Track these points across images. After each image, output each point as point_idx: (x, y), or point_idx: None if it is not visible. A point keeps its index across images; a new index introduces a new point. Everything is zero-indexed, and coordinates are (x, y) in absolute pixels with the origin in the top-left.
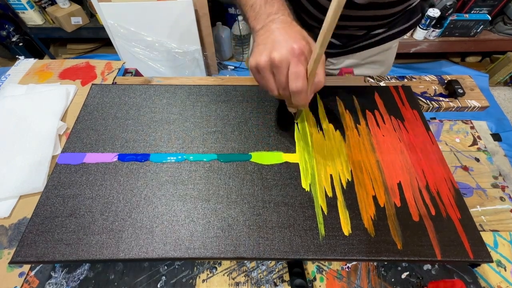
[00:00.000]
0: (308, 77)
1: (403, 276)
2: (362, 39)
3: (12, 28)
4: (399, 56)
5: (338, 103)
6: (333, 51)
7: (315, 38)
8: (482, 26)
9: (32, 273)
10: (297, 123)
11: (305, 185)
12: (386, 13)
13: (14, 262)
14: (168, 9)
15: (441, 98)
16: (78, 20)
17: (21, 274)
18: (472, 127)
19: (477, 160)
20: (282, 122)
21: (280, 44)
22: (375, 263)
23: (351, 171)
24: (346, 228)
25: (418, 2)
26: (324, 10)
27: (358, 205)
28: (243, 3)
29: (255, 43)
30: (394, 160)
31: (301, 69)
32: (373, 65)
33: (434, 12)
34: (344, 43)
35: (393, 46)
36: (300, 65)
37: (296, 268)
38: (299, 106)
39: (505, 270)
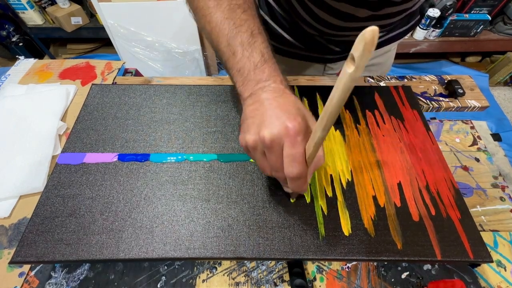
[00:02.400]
0: (307, 161)
1: (403, 276)
2: None
3: (12, 28)
4: (399, 56)
5: None
6: (332, 56)
7: (316, 45)
8: (482, 26)
9: (32, 273)
10: None
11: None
12: (386, 23)
13: (14, 262)
14: (168, 9)
15: (441, 98)
16: (78, 20)
17: (21, 274)
18: (472, 127)
19: (477, 160)
20: None
21: (271, 120)
22: (375, 263)
23: (351, 171)
24: (346, 228)
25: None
26: (322, 22)
27: (358, 205)
28: (229, 67)
29: (244, 114)
30: (394, 160)
31: (297, 152)
32: (372, 67)
33: (434, 12)
34: (343, 49)
35: (392, 49)
36: (296, 147)
37: (296, 268)
38: (297, 191)
39: (505, 270)
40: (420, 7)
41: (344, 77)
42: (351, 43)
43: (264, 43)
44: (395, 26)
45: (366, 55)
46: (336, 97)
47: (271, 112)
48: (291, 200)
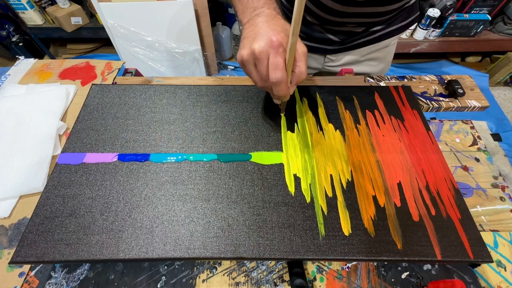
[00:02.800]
0: (287, 68)
1: (403, 276)
2: (360, 36)
3: (12, 28)
4: (399, 56)
5: (338, 103)
6: (332, 47)
7: (316, 35)
8: (482, 26)
9: (32, 273)
10: (284, 115)
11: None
12: (384, 10)
13: (14, 262)
14: (168, 9)
15: (441, 98)
16: (78, 20)
17: (21, 274)
18: (472, 127)
19: (477, 160)
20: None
21: (261, 36)
22: (375, 263)
23: (351, 171)
24: (346, 228)
25: (416, 0)
26: (322, 7)
27: (358, 205)
28: None
29: (242, 36)
30: (394, 160)
31: (279, 60)
32: (372, 62)
33: (434, 12)
34: (342, 40)
35: (391, 44)
36: (278, 57)
37: (296, 268)
38: (280, 97)
39: (505, 270)
40: (420, 7)
41: None
42: (350, 34)
43: None
44: (394, 20)
45: None
46: (296, 4)
47: (262, 31)
48: (282, 114)
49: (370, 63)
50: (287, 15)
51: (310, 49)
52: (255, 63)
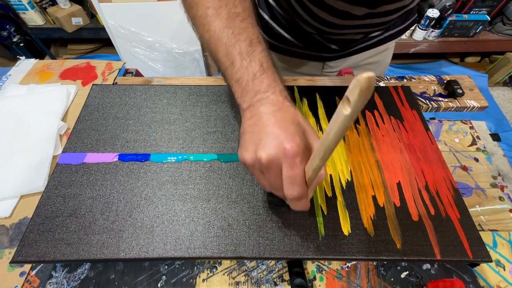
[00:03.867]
0: (307, 182)
1: (403, 275)
2: (359, 43)
3: (13, 29)
4: (398, 56)
5: (338, 103)
6: (330, 55)
7: (314, 43)
8: (481, 26)
9: (33, 273)
10: None
11: None
12: (383, 21)
13: (15, 261)
14: (168, 9)
15: (440, 98)
16: (78, 21)
17: (22, 274)
18: (471, 127)
19: (476, 160)
20: None
21: (268, 139)
22: (374, 263)
23: (350, 171)
24: (345, 228)
25: (414, 5)
26: (320, 20)
27: (358, 205)
28: (228, 77)
29: (242, 128)
30: (394, 160)
31: (297, 173)
32: (370, 66)
33: (433, 13)
34: (341, 47)
35: (390, 47)
36: (295, 169)
37: (296, 268)
38: (298, 210)
39: (504, 269)
40: (419, 8)
41: (340, 118)
42: (349, 41)
43: (263, 52)
44: (393, 25)
45: (362, 101)
46: (332, 133)
47: (269, 130)
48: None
49: (368, 67)
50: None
51: (309, 57)
52: (261, 169)
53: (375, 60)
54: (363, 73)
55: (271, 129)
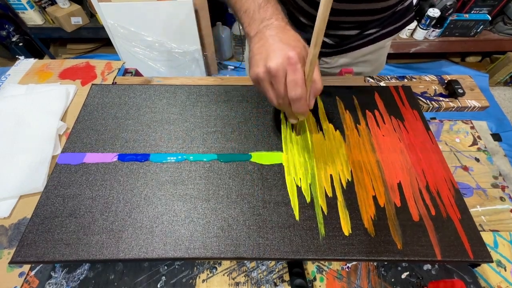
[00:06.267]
0: (306, 82)
1: (403, 276)
2: (355, 39)
3: (12, 28)
4: (399, 56)
5: (338, 103)
6: (327, 50)
7: (307, 40)
8: (482, 26)
9: (32, 273)
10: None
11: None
12: (379, 7)
13: (14, 262)
14: (168, 9)
15: (441, 98)
16: (78, 20)
17: (21, 274)
18: (472, 127)
19: (477, 160)
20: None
21: (275, 53)
22: (375, 263)
23: (351, 171)
24: (346, 228)
25: (411, 1)
26: (317, 5)
27: (358, 205)
28: (237, 9)
29: (251, 52)
30: (394, 160)
31: (298, 77)
32: (366, 63)
33: (434, 12)
34: (337, 42)
35: (386, 45)
36: (297, 73)
37: (296, 268)
38: (299, 114)
39: (505, 270)
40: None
41: None
42: (344, 37)
43: None
44: (389, 22)
45: None
46: (320, 15)
47: (275, 46)
48: (296, 135)
49: (365, 64)
50: (294, 20)
51: None
52: (271, 81)
53: (371, 58)
54: None
55: (277, 45)
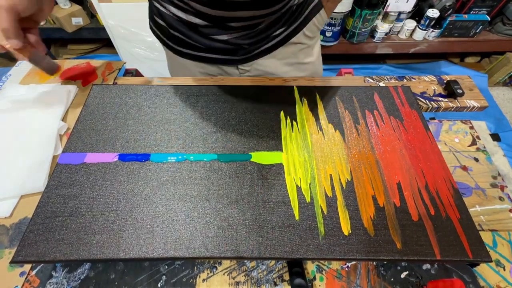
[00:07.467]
0: None
1: (403, 275)
2: (265, 41)
3: None
4: (398, 56)
5: (338, 103)
6: (236, 57)
7: (211, 47)
8: (481, 26)
9: (33, 273)
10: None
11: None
12: (265, 13)
13: (15, 261)
14: None
15: (440, 98)
16: (78, 21)
17: (22, 274)
18: (471, 127)
19: (476, 160)
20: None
21: None
22: (374, 263)
23: (350, 171)
24: (345, 228)
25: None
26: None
27: (358, 205)
28: None
29: None
30: (394, 160)
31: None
32: (301, 66)
33: (433, 13)
34: (247, 44)
35: (310, 44)
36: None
37: (296, 268)
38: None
39: (504, 269)
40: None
41: None
42: (255, 41)
43: None
44: (293, 20)
45: None
46: None
47: None
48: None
49: (300, 67)
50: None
51: (218, 61)
52: None
53: (300, 60)
54: None
55: None
